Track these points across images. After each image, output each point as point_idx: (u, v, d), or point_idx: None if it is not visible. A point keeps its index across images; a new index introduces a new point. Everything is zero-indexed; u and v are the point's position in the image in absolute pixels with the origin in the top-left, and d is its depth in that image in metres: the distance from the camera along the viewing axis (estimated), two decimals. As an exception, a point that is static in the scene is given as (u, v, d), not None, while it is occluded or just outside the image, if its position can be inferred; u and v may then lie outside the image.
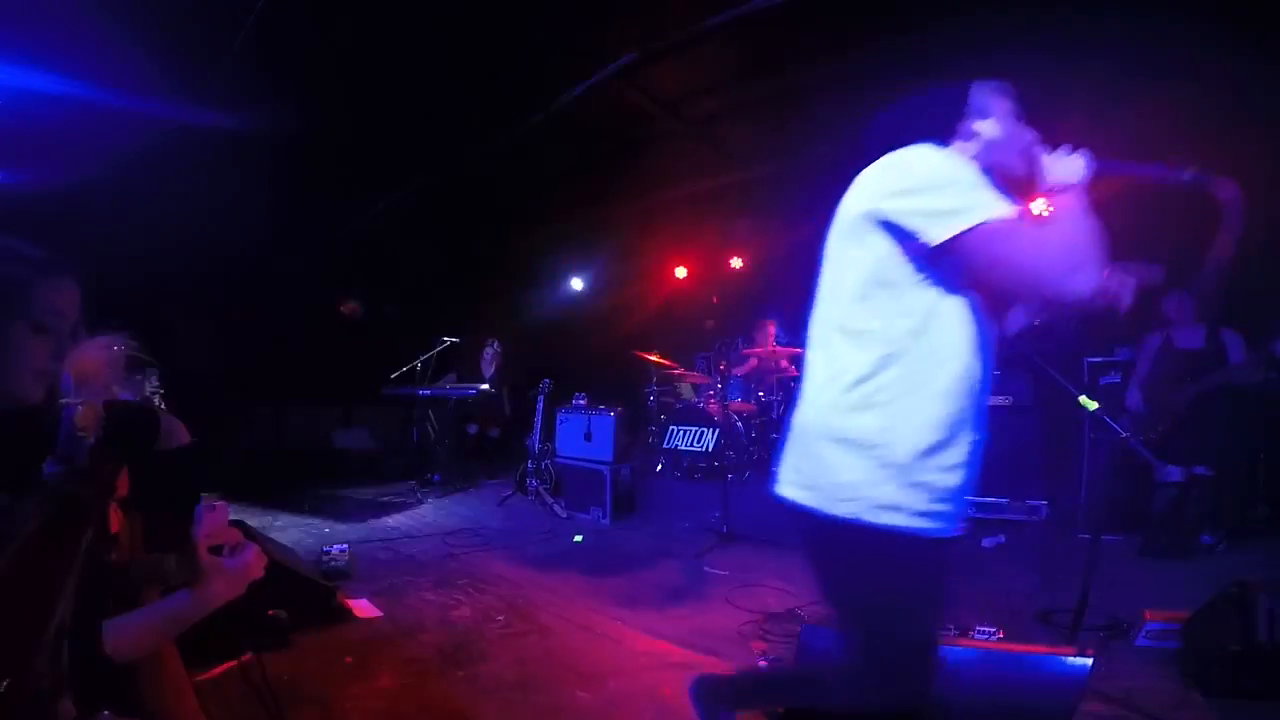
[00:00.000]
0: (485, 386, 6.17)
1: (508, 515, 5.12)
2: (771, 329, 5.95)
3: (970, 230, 1.04)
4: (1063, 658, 1.61)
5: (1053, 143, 1.28)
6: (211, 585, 1.02)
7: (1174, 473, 3.38)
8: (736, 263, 6.90)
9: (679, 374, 6.12)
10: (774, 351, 5.48)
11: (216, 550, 1.04)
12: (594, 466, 5.05)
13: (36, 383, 0.87)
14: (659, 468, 5.46)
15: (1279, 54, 3.17)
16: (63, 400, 0.89)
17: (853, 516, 1.13)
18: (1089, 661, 1.59)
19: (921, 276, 1.13)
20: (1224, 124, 3.70)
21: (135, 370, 1.57)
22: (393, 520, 4.91)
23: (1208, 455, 3.53)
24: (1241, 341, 3.53)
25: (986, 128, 1.25)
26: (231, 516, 1.12)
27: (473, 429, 6.47)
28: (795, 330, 6.54)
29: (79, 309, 0.94)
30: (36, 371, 0.87)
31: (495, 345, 6.70)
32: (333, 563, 3.40)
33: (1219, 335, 3.61)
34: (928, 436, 1.13)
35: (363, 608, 2.97)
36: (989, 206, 1.05)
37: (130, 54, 3.75)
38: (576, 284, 8.07)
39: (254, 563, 1.08)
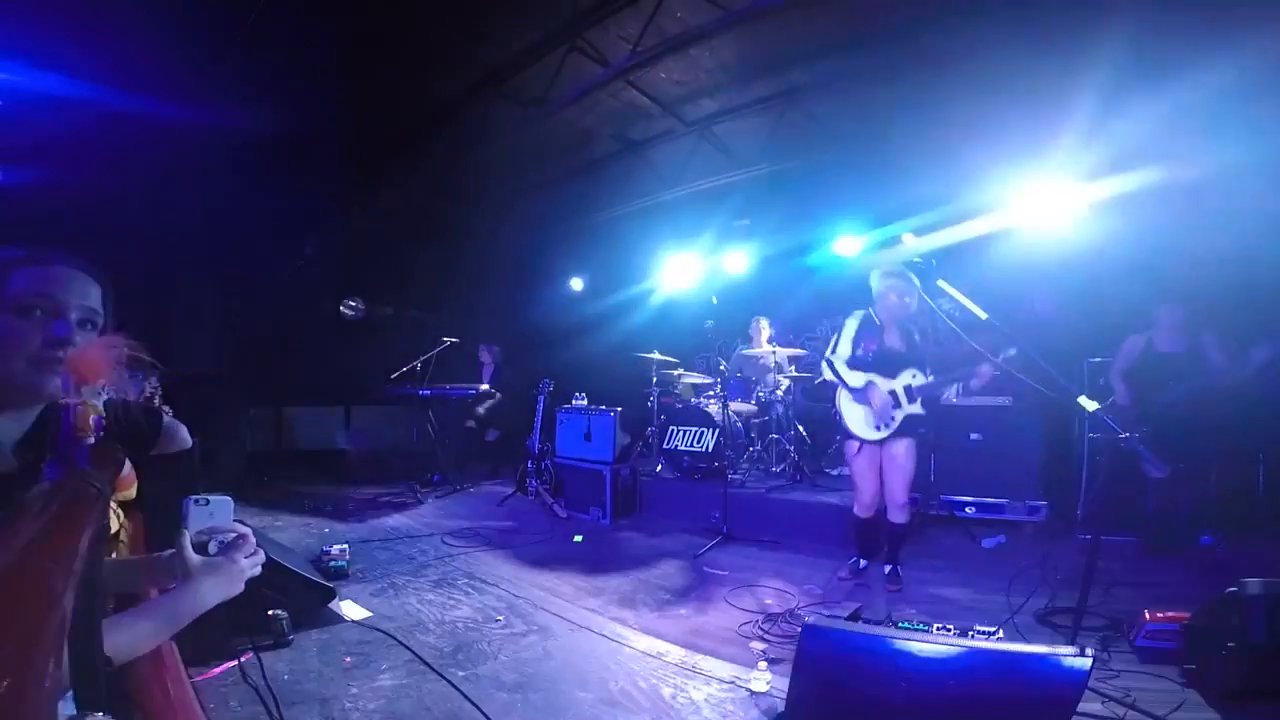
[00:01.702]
0: (485, 386, 6.17)
1: (508, 515, 5.12)
2: (764, 326, 5.94)
3: None
4: (1063, 658, 1.61)
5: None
6: (204, 581, 1.01)
7: (1161, 469, 3.42)
8: (736, 263, 6.89)
9: (679, 374, 6.12)
10: (772, 351, 5.48)
11: (203, 546, 1.03)
12: (594, 466, 5.05)
13: (35, 370, 0.86)
14: (659, 468, 5.46)
15: (1274, 55, 3.17)
16: (63, 400, 0.89)
17: None
18: (1089, 661, 1.58)
19: None
20: (1222, 125, 3.70)
21: (136, 370, 1.57)
22: (393, 520, 4.91)
23: (1189, 454, 3.57)
24: (1220, 347, 3.59)
25: None
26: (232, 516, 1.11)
27: (469, 424, 6.47)
28: (794, 330, 6.53)
29: (80, 294, 0.92)
30: (30, 357, 0.85)
31: (493, 350, 6.70)
32: (333, 563, 3.41)
33: (1199, 340, 3.66)
34: None
35: (362, 608, 2.97)
36: None
37: (131, 53, 3.76)
38: (576, 284, 8.07)
39: (250, 559, 1.06)
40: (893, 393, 3.21)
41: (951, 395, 3.12)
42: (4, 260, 0.89)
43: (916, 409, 3.14)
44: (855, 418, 3.31)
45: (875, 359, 3.25)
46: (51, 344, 0.86)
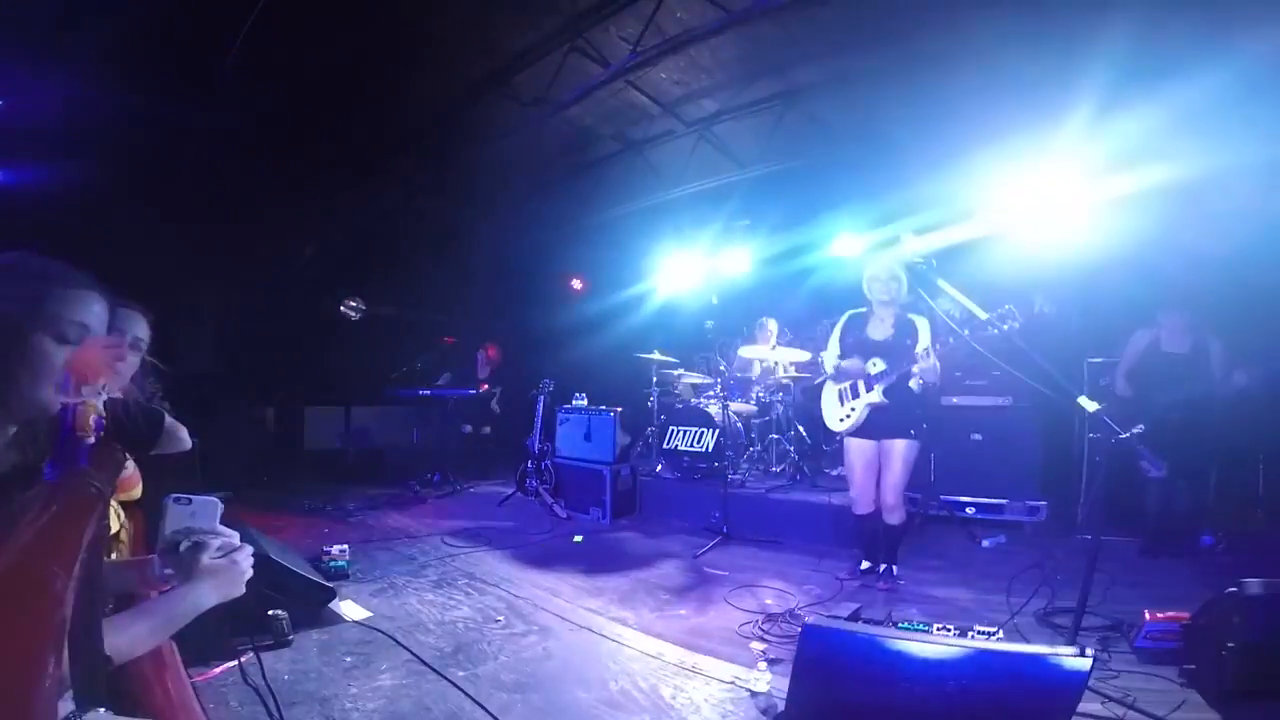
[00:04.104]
0: (485, 387, 6.17)
1: (508, 515, 5.12)
2: (772, 328, 5.94)
3: None
4: (1063, 658, 1.61)
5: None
6: (203, 582, 1.02)
7: (1160, 469, 3.43)
8: (735, 263, 6.89)
9: (679, 374, 6.12)
10: (772, 349, 5.47)
11: (175, 546, 1.03)
12: (594, 466, 5.05)
13: (60, 393, 0.88)
14: (659, 468, 5.46)
15: (1273, 55, 3.17)
16: (63, 400, 0.89)
17: None
18: (1089, 661, 1.58)
19: None
20: (1220, 127, 3.70)
21: (136, 370, 1.57)
22: (393, 520, 4.91)
23: (1188, 454, 3.57)
24: (1223, 351, 3.62)
25: None
26: (232, 517, 1.11)
27: (466, 428, 6.46)
28: (795, 331, 6.52)
29: (103, 318, 0.94)
30: (59, 382, 0.87)
31: (490, 350, 6.71)
32: (333, 563, 3.40)
33: (1205, 344, 3.69)
34: None
35: (362, 608, 2.97)
36: None
37: (131, 53, 3.76)
38: (576, 284, 8.07)
39: (226, 557, 1.06)
40: (854, 383, 3.27)
41: (914, 385, 3.09)
42: (46, 277, 0.90)
43: (877, 398, 3.15)
44: (828, 410, 3.43)
45: (853, 348, 3.34)
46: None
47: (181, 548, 1.02)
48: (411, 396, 6.09)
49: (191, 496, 1.05)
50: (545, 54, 4.28)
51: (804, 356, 5.42)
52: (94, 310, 0.92)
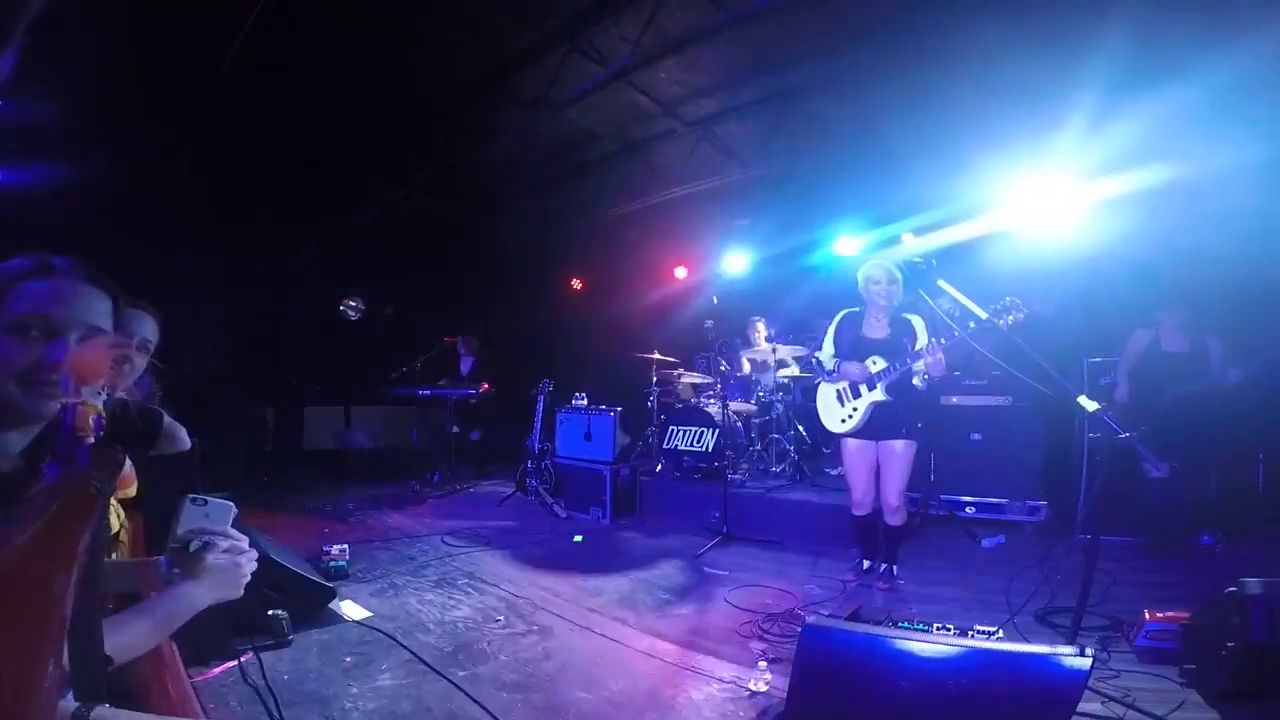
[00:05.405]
0: (486, 387, 6.16)
1: (508, 515, 5.12)
2: (761, 327, 5.94)
3: None
4: (1063, 658, 1.61)
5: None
6: (201, 581, 1.02)
7: (1161, 469, 3.43)
8: (736, 263, 6.90)
9: (679, 374, 6.12)
10: (771, 350, 5.47)
11: (185, 545, 1.02)
12: (594, 466, 5.05)
13: (28, 392, 0.84)
14: (659, 468, 5.46)
15: (1273, 55, 3.17)
16: (63, 400, 0.88)
17: None
18: (1089, 661, 1.59)
19: None
20: (1222, 125, 3.70)
21: (136, 370, 1.57)
22: (393, 520, 4.91)
23: (1188, 454, 3.58)
24: (1222, 349, 3.63)
25: None
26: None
27: (454, 429, 6.41)
28: (794, 331, 6.53)
29: (84, 311, 0.90)
30: (22, 378, 0.83)
31: (469, 342, 6.63)
32: (333, 563, 3.40)
33: (1203, 342, 3.70)
34: None
35: (361, 608, 2.97)
36: None
37: (130, 52, 3.75)
38: (576, 284, 8.07)
39: (228, 556, 1.05)
40: (854, 382, 3.23)
41: (918, 382, 3.08)
42: (10, 273, 0.88)
43: (880, 395, 3.12)
44: (826, 411, 3.38)
45: (849, 348, 3.30)
46: (44, 367, 0.84)
47: (191, 547, 1.03)
48: (411, 396, 6.08)
49: (208, 498, 1.05)
50: (545, 54, 4.28)
51: (801, 351, 5.42)
52: (62, 300, 0.88)
